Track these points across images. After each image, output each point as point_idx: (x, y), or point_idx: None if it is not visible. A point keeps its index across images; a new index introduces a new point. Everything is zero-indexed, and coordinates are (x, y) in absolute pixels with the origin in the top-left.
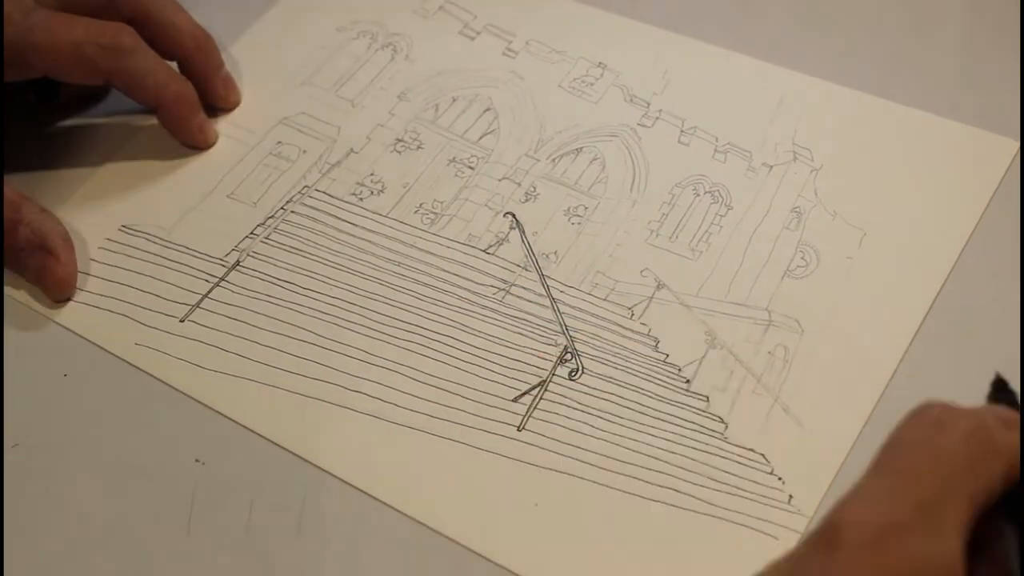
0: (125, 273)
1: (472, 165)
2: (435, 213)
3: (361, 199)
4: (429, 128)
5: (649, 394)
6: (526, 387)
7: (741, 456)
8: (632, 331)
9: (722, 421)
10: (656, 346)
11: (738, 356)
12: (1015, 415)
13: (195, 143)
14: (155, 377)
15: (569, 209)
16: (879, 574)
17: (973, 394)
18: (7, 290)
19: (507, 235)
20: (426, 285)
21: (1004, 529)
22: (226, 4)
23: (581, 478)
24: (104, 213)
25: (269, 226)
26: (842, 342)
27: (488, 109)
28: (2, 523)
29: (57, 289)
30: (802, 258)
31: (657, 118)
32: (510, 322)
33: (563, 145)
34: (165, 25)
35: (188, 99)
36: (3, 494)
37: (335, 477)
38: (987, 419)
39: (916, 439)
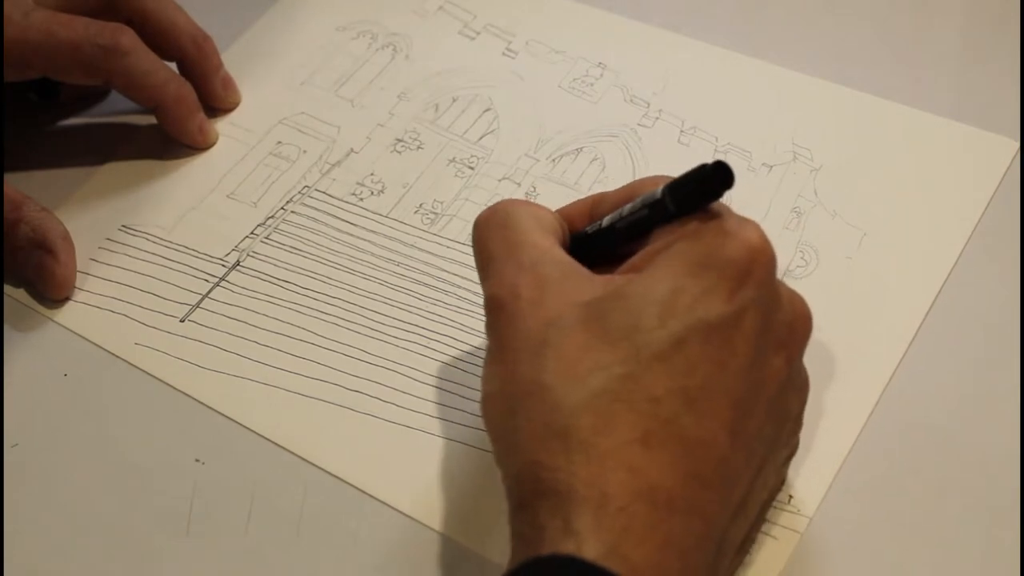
0: (125, 273)
1: (472, 165)
2: (435, 213)
3: (361, 199)
4: (429, 128)
5: None
6: None
7: None
8: None
9: None
10: None
11: None
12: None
13: (195, 143)
14: (155, 377)
15: None
16: (542, 318)
17: (974, 394)
18: (6, 289)
19: None
20: (426, 285)
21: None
22: (226, 4)
23: None
24: (104, 213)
25: (269, 226)
26: (842, 342)
27: (488, 109)
28: (2, 522)
29: (56, 288)
30: (802, 258)
31: (657, 118)
32: None
33: (563, 145)
34: (164, 25)
35: (187, 99)
36: (3, 493)
37: (335, 477)
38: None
39: (485, 236)
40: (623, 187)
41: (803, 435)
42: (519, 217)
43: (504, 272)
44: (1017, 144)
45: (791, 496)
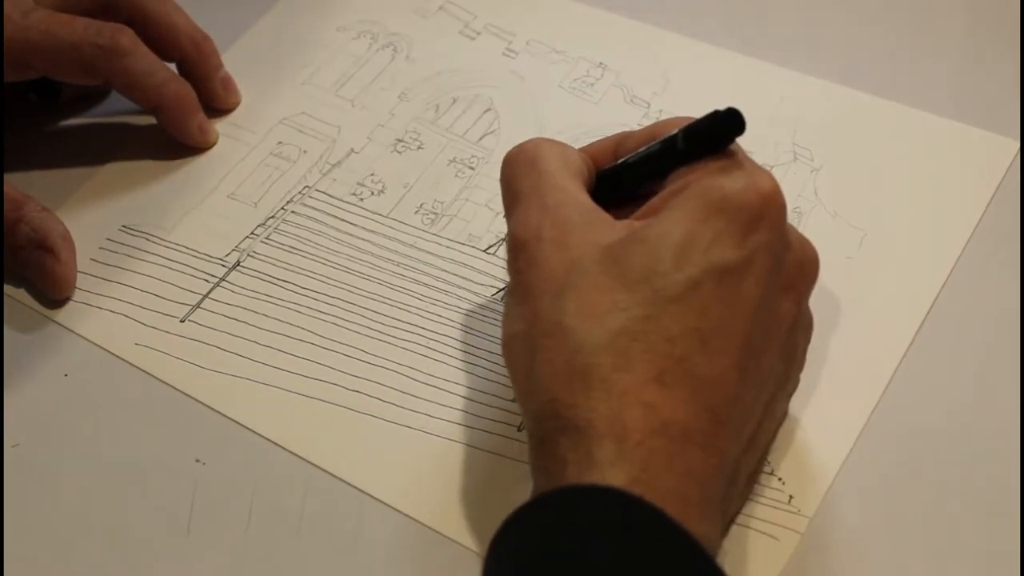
0: (125, 273)
1: (472, 165)
2: (435, 213)
3: (361, 199)
4: (429, 128)
5: None
6: None
7: None
8: None
9: None
10: None
11: None
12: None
13: (195, 143)
14: (155, 377)
15: None
16: (564, 260)
17: (973, 395)
18: (7, 289)
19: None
20: (426, 285)
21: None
22: (226, 4)
23: None
24: (104, 213)
25: (269, 226)
26: (841, 342)
27: (488, 109)
28: (2, 522)
29: (56, 288)
30: None
31: (657, 118)
32: None
33: None
34: (163, 26)
35: (187, 99)
36: (3, 493)
37: (335, 477)
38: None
39: (512, 175)
40: (647, 127)
41: (804, 435)
42: (547, 157)
43: (529, 213)
44: (1017, 144)
45: (791, 496)
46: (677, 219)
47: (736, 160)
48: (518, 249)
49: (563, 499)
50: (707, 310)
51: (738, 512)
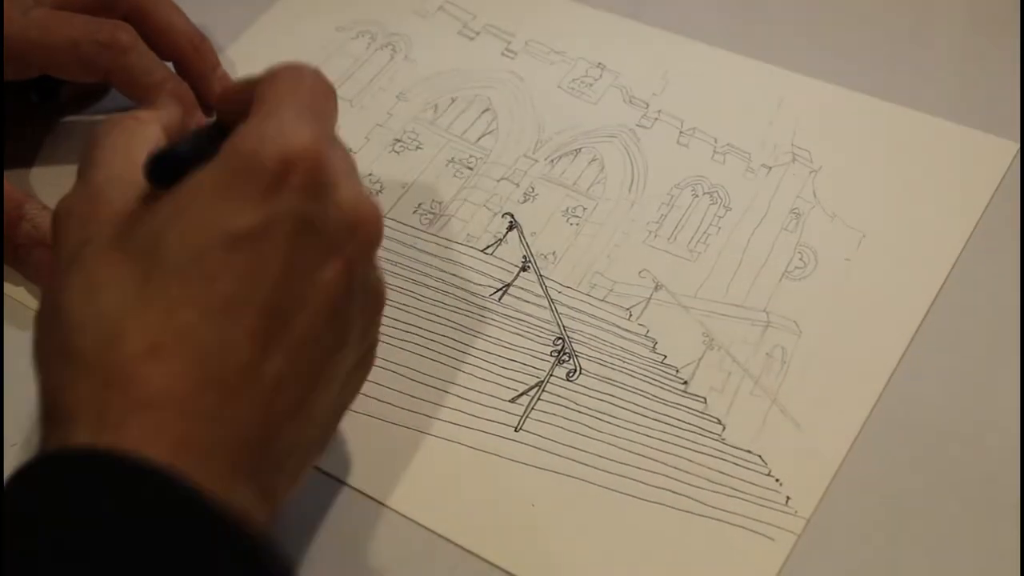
0: None
1: (471, 165)
2: (433, 213)
3: None
4: (428, 128)
5: (646, 395)
6: (524, 387)
7: (738, 457)
8: (630, 332)
9: (720, 422)
10: (654, 347)
11: (736, 357)
12: None
13: None
14: None
15: (568, 210)
16: (82, 235)
17: (971, 396)
18: (6, 288)
19: (505, 235)
20: (424, 285)
21: None
22: (225, 4)
23: (578, 479)
24: None
25: None
26: (840, 344)
27: (487, 109)
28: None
29: None
30: (800, 259)
31: (656, 119)
32: (508, 322)
33: (562, 146)
34: (161, 25)
35: (184, 99)
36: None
37: (334, 478)
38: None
39: (86, 145)
40: (238, 85)
41: (801, 436)
42: (114, 133)
43: (73, 189)
44: (1017, 146)
45: (788, 498)
46: (195, 186)
47: (273, 114)
48: (52, 226)
49: (26, 475)
50: (213, 280)
51: (288, 483)
